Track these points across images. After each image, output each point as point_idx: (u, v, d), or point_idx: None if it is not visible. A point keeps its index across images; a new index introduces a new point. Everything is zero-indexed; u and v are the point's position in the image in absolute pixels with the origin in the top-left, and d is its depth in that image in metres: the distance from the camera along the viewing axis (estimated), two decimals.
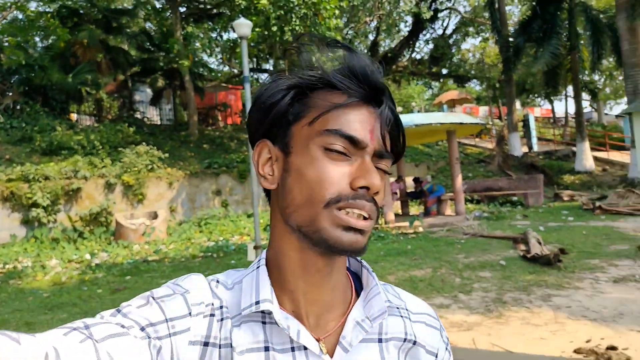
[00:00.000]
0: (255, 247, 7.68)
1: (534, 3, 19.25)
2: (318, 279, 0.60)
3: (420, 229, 9.91)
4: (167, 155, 13.73)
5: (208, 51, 21.75)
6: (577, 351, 3.44)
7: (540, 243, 7.12)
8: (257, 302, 0.57)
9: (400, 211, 12.97)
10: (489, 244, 8.01)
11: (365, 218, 0.55)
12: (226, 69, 26.95)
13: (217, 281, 0.63)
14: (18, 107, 15.62)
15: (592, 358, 3.32)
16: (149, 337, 0.52)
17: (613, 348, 3.42)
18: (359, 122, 0.56)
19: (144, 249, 9.63)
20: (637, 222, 9.27)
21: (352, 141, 0.55)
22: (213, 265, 7.88)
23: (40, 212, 10.77)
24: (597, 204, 11.46)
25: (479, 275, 5.96)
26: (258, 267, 0.62)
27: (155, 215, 11.42)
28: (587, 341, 3.62)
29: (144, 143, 13.74)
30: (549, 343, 3.67)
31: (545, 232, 8.64)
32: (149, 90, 23.01)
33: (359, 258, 0.69)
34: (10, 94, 16.41)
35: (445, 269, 6.39)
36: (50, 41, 18.25)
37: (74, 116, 17.98)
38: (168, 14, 18.47)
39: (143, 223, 10.80)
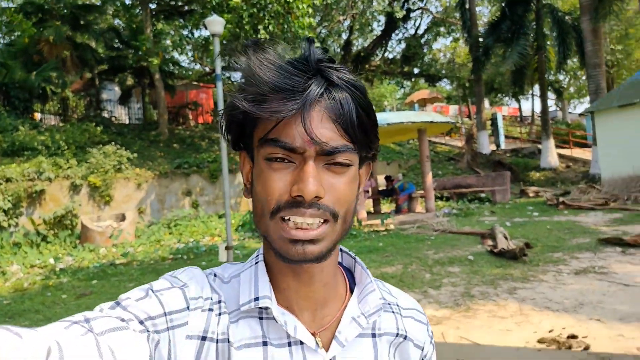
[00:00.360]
0: (227, 248, 7.57)
1: (503, 4, 19.74)
2: (306, 277, 0.60)
3: (392, 227, 10.01)
4: (135, 155, 13.42)
5: (179, 49, 21.38)
6: (540, 341, 3.53)
7: (506, 238, 7.30)
8: (257, 299, 0.58)
9: (372, 209, 13.07)
10: (458, 239, 8.16)
11: (310, 226, 0.54)
12: (197, 67, 26.56)
13: (215, 275, 0.63)
14: None
15: (554, 347, 3.42)
16: (148, 331, 0.51)
17: (573, 337, 3.53)
18: (295, 126, 0.53)
19: (111, 252, 9.39)
20: (597, 217, 9.63)
21: (288, 148, 0.53)
22: (183, 268, 7.74)
23: (0, 215, 10.34)
24: (561, 199, 11.84)
25: (448, 270, 6.06)
26: (257, 263, 0.62)
27: (123, 217, 11.14)
28: (550, 331, 3.73)
29: (112, 143, 13.39)
30: (514, 334, 3.76)
31: (511, 228, 8.86)
32: (117, 89, 22.47)
33: (352, 254, 0.70)
34: None
35: (415, 265, 6.47)
36: (12, 37, 17.59)
37: (37, 115, 17.37)
38: (138, 10, 18.06)
39: (110, 225, 10.52)
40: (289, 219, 0.54)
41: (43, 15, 16.45)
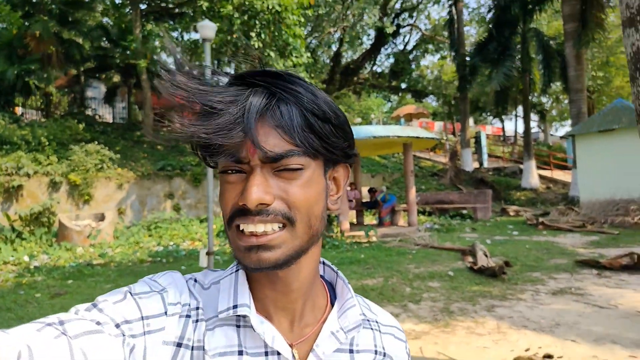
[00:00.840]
0: (208, 253, 7.48)
1: (490, 26, 20.19)
2: (282, 287, 0.60)
3: (374, 239, 10.04)
4: (118, 155, 13.22)
5: (167, 51, 21.26)
6: (517, 359, 3.57)
7: (486, 255, 7.38)
8: (235, 307, 0.57)
9: (355, 220, 13.11)
10: (438, 255, 8.22)
11: (264, 233, 0.54)
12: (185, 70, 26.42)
13: (195, 280, 0.62)
14: None
15: None
16: (124, 335, 0.50)
17: (549, 356, 3.57)
18: (238, 133, 0.52)
19: (89, 252, 9.19)
20: (575, 238, 9.82)
21: (235, 160, 0.54)
22: (161, 271, 7.61)
23: None
24: (540, 219, 12.06)
25: (428, 285, 6.10)
26: (237, 271, 0.62)
27: (102, 217, 10.93)
28: (527, 350, 3.77)
29: (95, 141, 13.18)
30: (491, 352, 3.79)
31: (491, 245, 8.97)
32: (102, 87, 22.17)
33: (334, 268, 0.69)
34: None
35: (396, 278, 6.49)
36: None
37: (18, 110, 17.00)
38: (127, 10, 17.92)
39: (89, 225, 10.31)
40: (242, 229, 0.55)
41: (31, 9, 16.20)
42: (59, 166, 11.84)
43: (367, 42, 27.47)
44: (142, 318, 0.53)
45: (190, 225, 12.18)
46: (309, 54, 15.64)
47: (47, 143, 12.80)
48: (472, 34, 29.48)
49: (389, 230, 10.80)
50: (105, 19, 20.48)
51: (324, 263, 0.70)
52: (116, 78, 21.90)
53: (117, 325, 0.51)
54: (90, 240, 9.97)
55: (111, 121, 19.93)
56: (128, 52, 16.55)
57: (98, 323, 0.49)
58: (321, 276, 0.69)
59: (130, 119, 20.51)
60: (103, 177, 12.33)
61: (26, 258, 8.46)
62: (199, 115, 0.53)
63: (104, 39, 18.84)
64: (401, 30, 26.98)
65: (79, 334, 0.46)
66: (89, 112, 19.43)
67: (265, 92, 0.55)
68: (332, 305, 0.66)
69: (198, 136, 0.52)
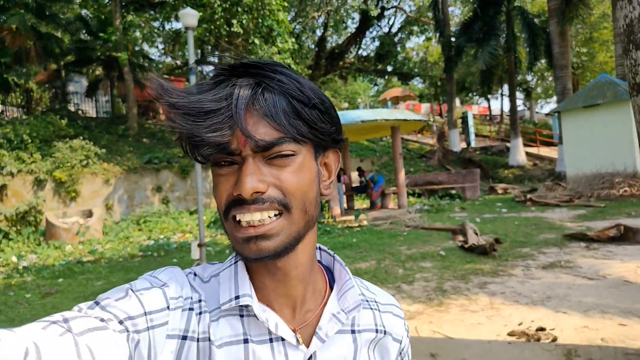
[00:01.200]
0: (200, 245, 7.45)
1: (475, 5, 20.11)
2: (281, 275, 0.61)
3: (365, 223, 10.07)
4: (103, 150, 13.03)
5: (149, 42, 20.86)
6: (510, 334, 3.61)
7: (477, 234, 7.45)
8: (237, 297, 0.58)
9: (346, 205, 13.13)
10: (429, 235, 8.28)
11: (261, 222, 0.55)
12: (168, 60, 26.01)
13: (195, 274, 0.63)
14: None
15: (523, 339, 3.50)
16: (128, 331, 0.51)
17: (542, 329, 3.62)
18: (230, 127, 0.53)
19: (78, 250, 9.09)
20: (563, 213, 9.95)
21: (227, 152, 0.54)
22: (154, 265, 7.59)
23: None
24: (528, 196, 12.19)
25: (421, 265, 6.14)
26: (236, 262, 0.63)
27: (90, 214, 10.80)
28: (519, 324, 3.82)
29: (79, 137, 12.95)
30: (485, 327, 3.83)
31: (481, 223, 9.06)
32: (84, 81, 21.73)
33: (330, 252, 0.70)
34: None
35: (388, 260, 6.53)
36: None
37: None
38: (107, 1, 17.48)
39: (77, 222, 10.18)
40: (239, 220, 0.55)
41: (6, 3, 15.71)
42: (43, 164, 11.63)
43: (352, 26, 27.25)
44: (145, 313, 0.53)
45: (180, 217, 12.10)
46: (293, 40, 15.46)
47: (29, 140, 12.54)
48: (457, 14, 29.37)
49: (380, 214, 10.83)
50: (84, 11, 19.97)
51: (319, 248, 0.72)
52: (98, 71, 21.48)
53: (121, 322, 0.51)
54: (79, 237, 9.86)
55: (94, 115, 19.59)
56: (109, 44, 16.19)
57: (102, 320, 0.50)
58: (318, 261, 0.70)
59: (114, 112, 20.18)
60: (89, 173, 12.16)
61: (14, 258, 8.33)
62: (189, 116, 0.53)
63: (84, 31, 18.41)
64: (386, 13, 26.76)
65: (84, 330, 0.47)
66: (71, 107, 19.06)
67: (250, 83, 0.56)
68: (332, 288, 0.67)
69: (192, 136, 0.53)
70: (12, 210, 10.24)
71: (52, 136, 13.46)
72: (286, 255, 0.57)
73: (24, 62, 15.71)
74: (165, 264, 7.55)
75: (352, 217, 10.31)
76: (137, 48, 19.79)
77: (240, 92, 0.54)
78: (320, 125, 0.58)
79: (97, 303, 0.53)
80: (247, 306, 0.59)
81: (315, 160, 0.60)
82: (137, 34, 19.82)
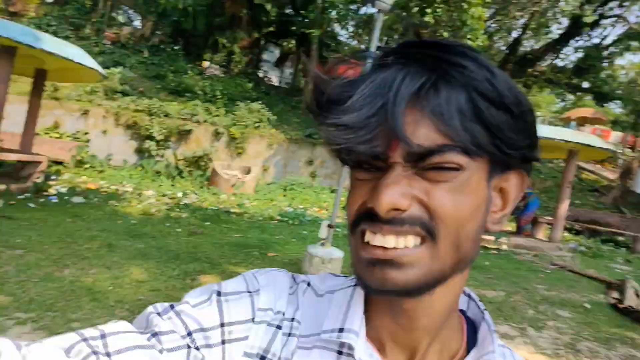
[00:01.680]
0: (330, 226, 7.64)
1: None
2: (405, 321, 0.48)
3: (505, 247, 9.15)
4: (275, 117, 14.26)
5: (342, 22, 21.80)
6: None
7: (638, 295, 6.15)
8: (341, 330, 0.48)
9: None
10: (577, 281, 7.13)
11: (390, 246, 0.42)
12: (354, 43, 26.91)
13: (308, 284, 0.54)
14: (162, 46, 17.36)
15: None
16: (189, 347, 0.45)
17: None
18: (381, 129, 0.41)
19: (230, 200, 10.20)
20: None
21: (369, 154, 0.43)
22: (286, 231, 8.07)
23: (152, 144, 11.96)
24: None
25: (557, 312, 5.32)
26: (356, 285, 0.52)
27: (248, 171, 12.00)
28: None
29: (259, 102, 14.40)
30: None
31: None
32: (277, 52, 23.96)
33: (482, 306, 0.55)
34: (160, 33, 18.30)
35: (520, 296, 5.81)
36: None
37: (205, 64, 19.45)
38: None
39: (236, 175, 11.42)
40: (366, 236, 0.44)
41: None
42: (224, 118, 13.28)
43: (556, 31, 24.27)
44: (223, 324, 0.47)
45: (322, 193, 12.63)
46: (485, 37, 14.52)
47: (220, 96, 14.46)
48: None
49: (525, 242, 9.67)
50: None
51: (470, 296, 0.57)
52: (291, 44, 23.41)
53: (189, 333, 0.46)
54: (234, 189, 11.07)
55: (277, 84, 21.53)
56: (306, 21, 17.41)
57: (155, 334, 0.44)
58: (462, 311, 0.55)
59: (294, 84, 21.87)
60: (258, 135, 13.47)
61: (179, 194, 9.78)
62: (336, 126, 0.42)
63: (289, 5, 20.15)
64: (602, 22, 23.08)
65: (119, 350, 0.42)
66: (260, 73, 21.26)
67: (423, 69, 0.42)
68: (468, 352, 0.52)
69: (338, 144, 0.43)
70: (191, 153, 12.04)
71: (238, 96, 15.26)
72: (418, 296, 0.44)
73: (235, 27, 18.01)
74: (294, 233, 8.00)
75: (492, 238, 9.44)
76: (328, 28, 20.87)
77: (402, 85, 0.41)
78: (507, 134, 0.43)
79: (172, 307, 0.48)
80: (349, 344, 0.47)
81: (487, 181, 0.45)
82: (334, 13, 20.87)
